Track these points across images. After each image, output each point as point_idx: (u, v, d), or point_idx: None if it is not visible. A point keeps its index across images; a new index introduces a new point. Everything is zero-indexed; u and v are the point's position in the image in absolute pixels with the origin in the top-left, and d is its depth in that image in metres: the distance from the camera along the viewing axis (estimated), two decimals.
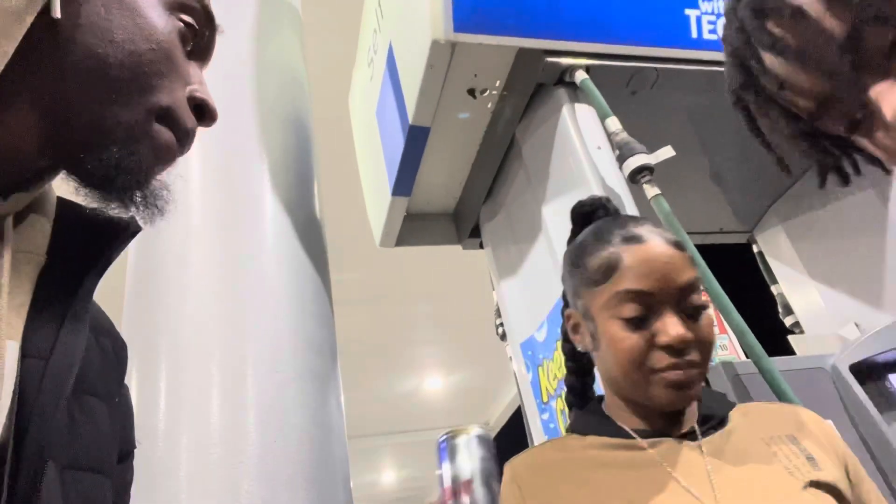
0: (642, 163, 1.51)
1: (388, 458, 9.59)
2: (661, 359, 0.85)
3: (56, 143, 0.54)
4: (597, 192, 1.62)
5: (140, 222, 0.59)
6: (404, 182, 2.10)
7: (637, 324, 0.86)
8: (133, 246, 1.74)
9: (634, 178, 1.53)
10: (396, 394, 8.01)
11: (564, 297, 1.06)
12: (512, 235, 2.04)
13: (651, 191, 1.49)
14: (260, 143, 1.86)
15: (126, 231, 0.61)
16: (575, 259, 0.97)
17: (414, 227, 2.36)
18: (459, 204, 2.33)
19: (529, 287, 1.93)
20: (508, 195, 2.07)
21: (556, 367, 1.77)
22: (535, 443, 1.92)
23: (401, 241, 2.35)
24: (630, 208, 1.61)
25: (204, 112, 0.61)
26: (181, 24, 0.60)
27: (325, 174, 2.46)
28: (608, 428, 0.94)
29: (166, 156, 0.59)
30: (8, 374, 0.49)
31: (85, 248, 0.59)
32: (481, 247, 2.34)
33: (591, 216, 1.04)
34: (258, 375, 1.50)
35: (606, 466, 0.89)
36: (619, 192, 1.62)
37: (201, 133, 0.64)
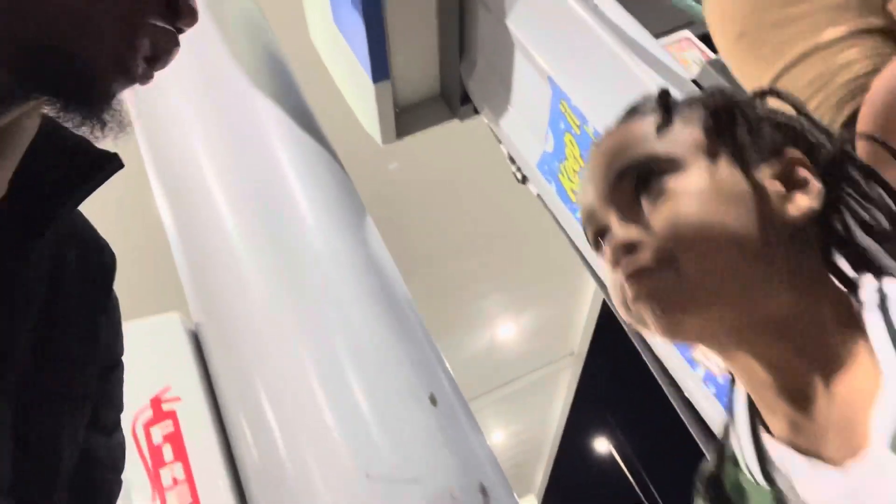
0: None
1: (489, 419, 9.66)
2: None
3: (4, 47, 0.49)
4: None
5: (92, 137, 0.55)
6: (380, 63, 2.16)
7: None
8: (176, 240, 2.06)
9: None
10: (472, 354, 8.06)
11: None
12: (494, 73, 2.09)
13: None
14: (248, 79, 2.04)
15: (104, 162, 0.60)
16: None
17: (408, 118, 2.43)
18: (442, 80, 2.39)
19: (524, 108, 1.97)
20: (477, 39, 2.12)
21: (571, 163, 1.81)
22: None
23: (400, 132, 2.42)
24: None
25: (178, 9, 0.54)
26: None
27: None
28: None
29: (127, 65, 0.53)
30: None
31: (57, 178, 0.58)
32: (476, 112, 2.39)
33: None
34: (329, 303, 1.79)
35: None
36: None
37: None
